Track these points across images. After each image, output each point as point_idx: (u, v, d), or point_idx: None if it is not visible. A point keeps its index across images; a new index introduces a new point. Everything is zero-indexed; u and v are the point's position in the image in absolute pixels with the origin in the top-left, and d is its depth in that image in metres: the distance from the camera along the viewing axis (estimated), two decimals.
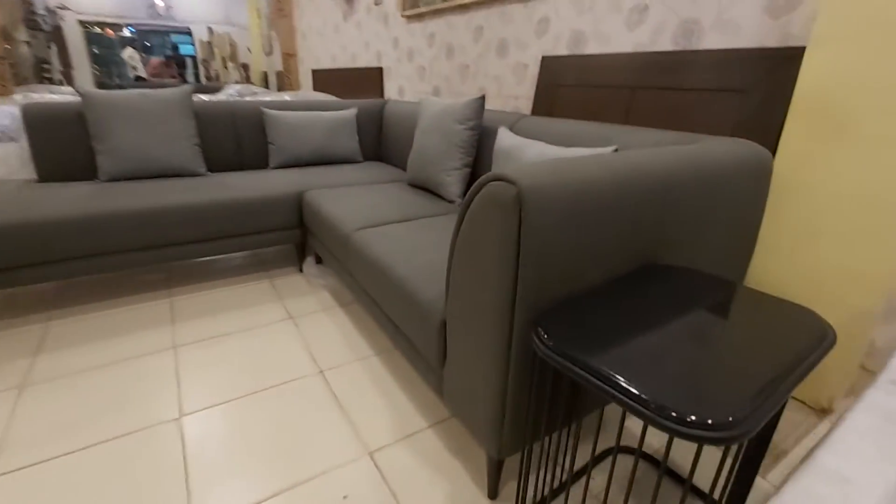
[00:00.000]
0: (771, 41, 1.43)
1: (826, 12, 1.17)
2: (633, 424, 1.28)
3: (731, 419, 0.54)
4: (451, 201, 1.82)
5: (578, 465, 1.13)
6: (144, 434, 1.20)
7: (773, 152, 1.37)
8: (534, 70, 2.20)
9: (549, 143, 1.44)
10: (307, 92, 4.11)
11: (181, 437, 1.20)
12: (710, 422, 0.54)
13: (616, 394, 0.60)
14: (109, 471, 1.09)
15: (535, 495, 0.97)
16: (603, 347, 0.68)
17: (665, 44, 1.68)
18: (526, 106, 2.28)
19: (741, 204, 1.11)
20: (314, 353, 1.56)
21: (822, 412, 1.34)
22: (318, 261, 2.19)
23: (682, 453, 1.18)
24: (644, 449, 1.19)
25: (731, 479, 0.91)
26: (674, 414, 0.55)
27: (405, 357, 1.28)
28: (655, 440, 1.23)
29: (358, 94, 4.00)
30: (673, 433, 0.55)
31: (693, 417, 0.54)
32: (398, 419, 1.27)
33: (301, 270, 2.18)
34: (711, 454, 1.17)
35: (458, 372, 1.00)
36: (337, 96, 4.43)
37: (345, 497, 1.04)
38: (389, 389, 1.39)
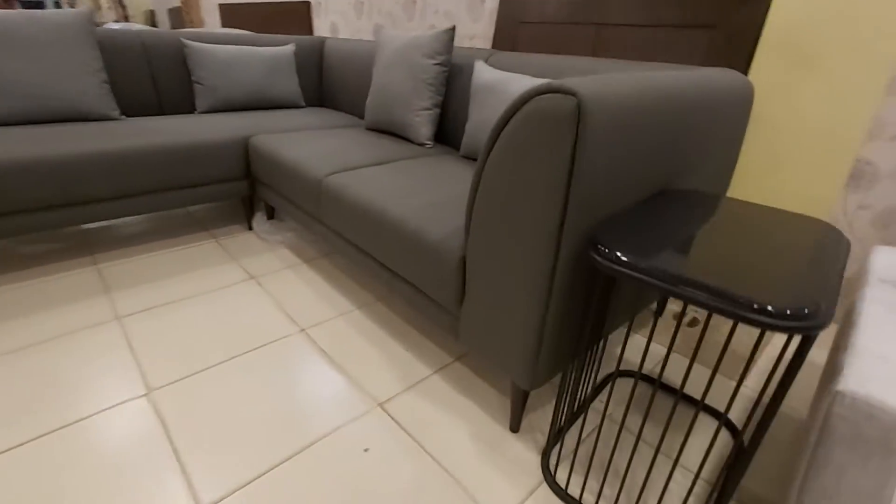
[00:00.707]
0: None
1: None
2: (630, 354, 1.34)
3: (820, 308, 0.57)
4: (421, 144, 1.71)
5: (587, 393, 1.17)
6: (112, 414, 1.03)
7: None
8: (491, 5, 2.10)
9: (535, 77, 1.39)
10: (215, 30, 3.62)
11: (157, 413, 1.04)
12: (806, 311, 0.55)
13: (706, 297, 0.60)
14: (82, 458, 0.92)
15: (555, 422, 0.98)
16: (668, 257, 0.67)
17: None
18: (484, 46, 2.18)
19: (731, 131, 1.16)
20: (290, 312, 1.43)
21: None
22: (271, 216, 1.98)
23: (678, 373, 1.27)
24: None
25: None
26: (770, 308, 0.56)
27: (408, 303, 1.21)
28: (650, 363, 1.30)
29: (279, 32, 3.59)
30: (768, 327, 0.56)
31: (789, 311, 0.56)
32: (400, 369, 1.22)
33: (251, 228, 1.97)
34: (702, 375, 1.28)
35: (482, 308, 0.96)
36: None
37: (366, 450, 0.98)
38: (382, 341, 1.32)
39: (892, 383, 0.59)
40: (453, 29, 1.63)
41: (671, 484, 0.95)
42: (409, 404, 1.11)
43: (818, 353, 1.40)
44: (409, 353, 1.28)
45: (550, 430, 0.99)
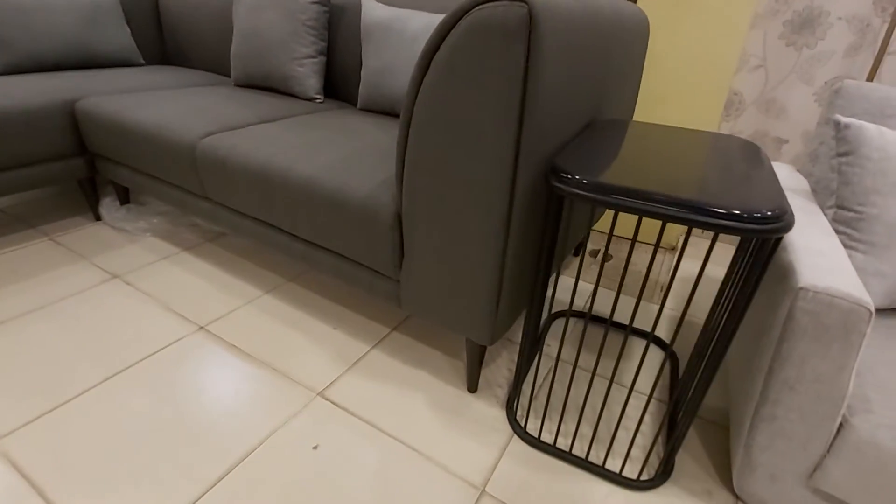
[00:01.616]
0: None
1: None
2: (562, 294, 1.36)
3: (783, 211, 0.58)
4: (310, 99, 1.50)
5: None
6: None
7: None
8: None
9: (434, 13, 1.27)
10: None
11: (11, 463, 0.77)
12: (777, 214, 0.56)
13: (684, 213, 0.58)
14: None
15: (519, 372, 0.95)
16: (633, 179, 0.64)
17: None
18: None
19: (636, 61, 1.18)
20: (179, 309, 1.17)
21: (672, 249, 1.66)
22: (125, 200, 1.60)
23: (609, 307, 1.32)
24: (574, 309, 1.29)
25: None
26: (738, 212, 0.56)
27: (334, 275, 1.06)
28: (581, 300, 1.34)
29: None
30: (741, 232, 0.56)
31: (758, 214, 0.56)
32: (332, 351, 1.08)
33: (99, 218, 1.57)
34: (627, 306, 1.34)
35: (428, 267, 0.86)
36: None
37: (315, 447, 0.84)
38: (305, 323, 1.16)
39: (839, 273, 0.64)
40: None
41: (627, 409, 0.98)
42: (353, 386, 0.98)
43: (691, 266, 1.57)
44: (340, 331, 1.14)
45: (515, 380, 0.95)
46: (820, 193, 1.01)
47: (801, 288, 0.62)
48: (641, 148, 0.80)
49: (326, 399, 0.95)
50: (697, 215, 0.58)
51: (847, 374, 0.62)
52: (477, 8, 0.63)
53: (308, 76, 1.46)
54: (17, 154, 1.30)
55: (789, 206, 0.60)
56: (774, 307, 0.69)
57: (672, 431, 0.89)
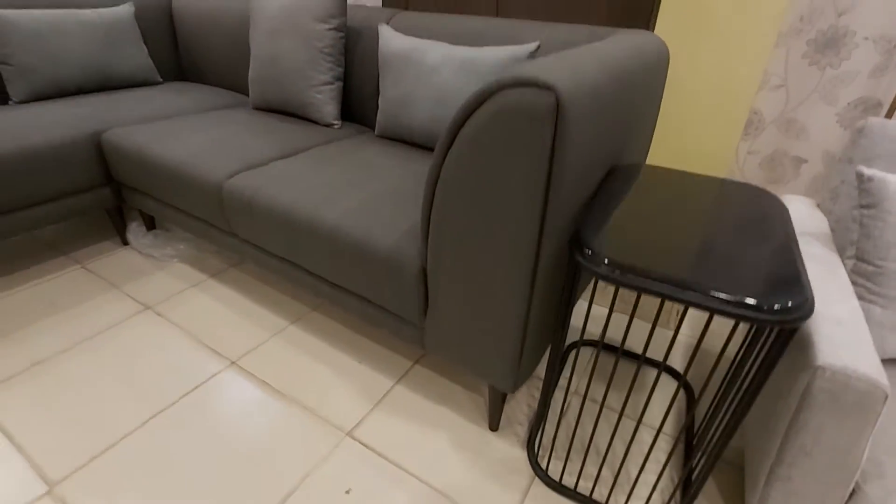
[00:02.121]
0: None
1: None
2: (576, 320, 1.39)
3: (803, 299, 0.59)
4: (328, 125, 1.51)
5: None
6: None
7: (646, 23, 1.48)
8: None
9: (452, 44, 1.26)
10: None
11: None
12: (792, 304, 0.58)
13: (704, 299, 0.60)
14: None
15: (540, 416, 0.99)
16: (657, 255, 0.66)
17: None
18: (370, 2, 1.95)
19: (656, 98, 1.18)
20: (211, 342, 1.22)
21: None
22: (151, 226, 1.65)
23: (632, 336, 1.35)
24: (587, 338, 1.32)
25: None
26: (755, 303, 0.58)
27: (360, 317, 1.09)
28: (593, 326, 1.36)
29: None
30: (758, 322, 0.58)
31: (778, 306, 0.58)
32: (359, 387, 1.12)
33: (127, 243, 1.62)
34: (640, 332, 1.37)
35: (453, 318, 0.89)
36: None
37: (348, 491, 0.89)
38: (331, 357, 1.20)
39: (857, 349, 0.66)
40: None
41: (647, 448, 1.01)
42: (380, 425, 1.03)
43: None
44: (364, 364, 1.18)
45: (536, 421, 0.99)
46: (839, 233, 1.01)
47: (820, 367, 0.64)
48: (659, 210, 0.81)
49: (355, 439, 0.99)
50: (715, 304, 0.60)
51: (862, 445, 0.64)
52: (504, 91, 0.65)
53: (326, 102, 1.47)
54: (48, 189, 1.34)
55: (809, 291, 0.61)
56: (793, 376, 0.71)
57: (689, 476, 0.92)
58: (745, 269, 0.65)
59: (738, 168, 1.61)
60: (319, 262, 1.05)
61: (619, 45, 0.95)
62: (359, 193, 1.07)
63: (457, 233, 0.79)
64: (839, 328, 0.70)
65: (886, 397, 0.61)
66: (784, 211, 0.85)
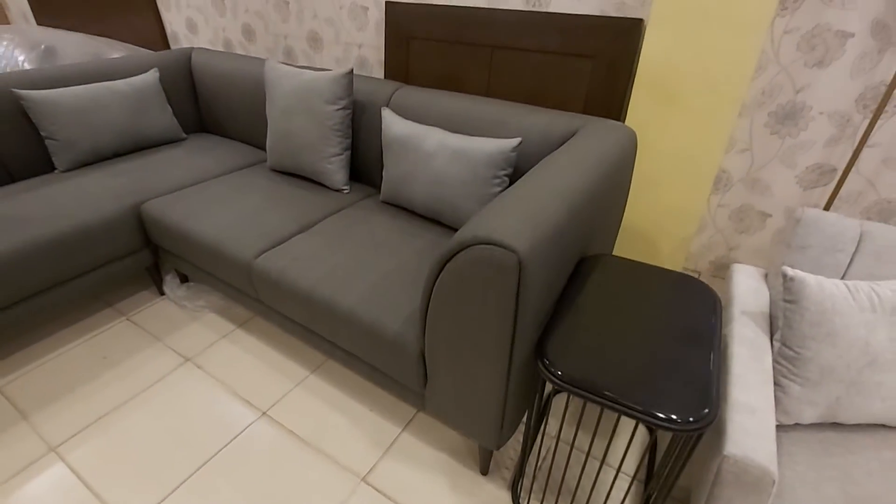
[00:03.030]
0: (610, 9, 1.60)
1: None
2: None
3: (708, 417, 0.78)
4: (338, 190, 1.69)
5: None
6: None
7: (619, 113, 1.64)
8: (375, 14, 2.01)
9: (446, 130, 1.43)
10: (30, 28, 2.99)
11: None
12: (698, 418, 0.76)
13: (630, 412, 0.78)
14: None
15: (521, 464, 1.18)
16: (601, 365, 0.84)
17: (516, 2, 1.72)
18: (374, 56, 2.11)
19: (625, 185, 1.34)
20: (244, 394, 1.43)
21: None
22: (185, 279, 1.85)
23: None
24: None
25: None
26: (673, 417, 0.76)
27: (369, 379, 1.29)
28: None
29: (117, 27, 3.05)
30: (673, 431, 0.77)
31: (692, 419, 0.76)
32: (371, 434, 1.33)
33: (163, 293, 1.83)
34: None
35: (447, 391, 1.08)
36: (77, 30, 3.30)
37: None
38: (346, 406, 1.41)
39: (759, 436, 0.84)
40: (351, 72, 1.57)
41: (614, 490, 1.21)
42: (390, 470, 1.23)
43: None
44: (374, 412, 1.39)
45: (518, 466, 1.18)
46: (777, 304, 1.18)
47: (726, 455, 0.82)
48: (611, 313, 0.99)
49: (369, 484, 1.20)
50: (640, 416, 0.78)
51: None
52: (476, 247, 0.83)
53: (336, 171, 1.65)
54: (98, 258, 1.55)
55: (714, 405, 0.79)
56: (713, 452, 0.89)
57: None
58: (668, 382, 0.83)
59: (711, 219, 1.77)
60: (335, 334, 1.24)
61: (587, 151, 1.11)
62: (368, 275, 1.25)
63: (446, 335, 0.97)
64: (750, 417, 0.88)
65: (774, 482, 0.79)
66: (716, 310, 1.02)
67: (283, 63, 1.88)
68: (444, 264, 0.89)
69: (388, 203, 1.62)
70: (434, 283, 0.94)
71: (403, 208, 1.59)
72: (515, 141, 1.30)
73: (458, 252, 0.86)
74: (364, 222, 1.49)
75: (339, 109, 1.59)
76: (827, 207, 1.50)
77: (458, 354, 0.98)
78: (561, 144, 1.35)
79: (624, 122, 1.62)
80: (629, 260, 1.17)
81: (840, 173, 1.51)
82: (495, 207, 0.90)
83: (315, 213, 1.55)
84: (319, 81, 1.57)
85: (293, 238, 1.43)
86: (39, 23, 3.64)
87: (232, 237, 1.42)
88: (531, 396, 1.11)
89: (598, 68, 1.61)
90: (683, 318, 0.99)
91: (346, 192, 1.69)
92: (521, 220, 0.84)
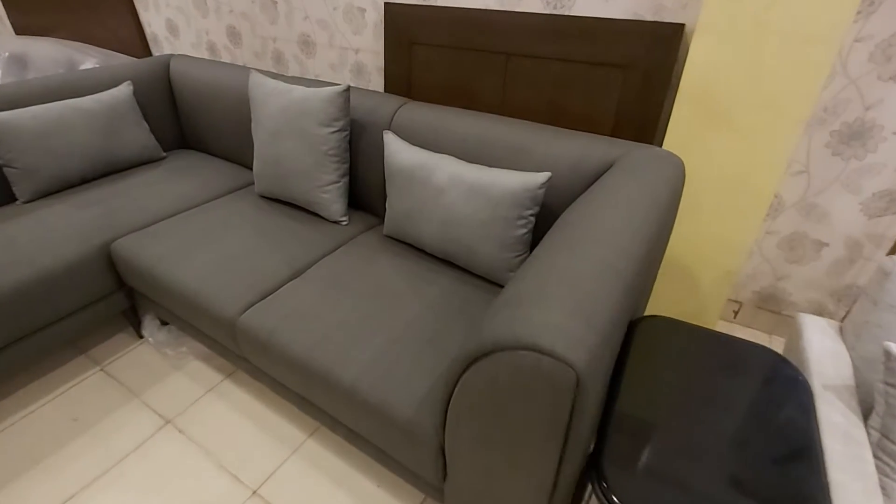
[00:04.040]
0: (645, 12, 1.38)
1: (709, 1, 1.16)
2: None
3: None
4: (336, 222, 1.49)
5: None
6: None
7: (654, 132, 1.43)
8: (373, 16, 1.79)
9: (458, 159, 1.23)
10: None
11: None
12: None
13: None
14: None
15: None
16: (677, 492, 0.66)
17: (535, 4, 1.51)
18: (372, 63, 1.89)
19: (672, 222, 1.14)
20: (232, 466, 1.25)
21: None
22: (165, 321, 1.66)
23: None
24: None
25: None
26: None
27: (378, 461, 1.10)
28: None
29: (94, 31, 2.81)
30: None
31: None
32: None
33: (142, 336, 1.64)
34: None
35: (471, 493, 0.90)
36: (52, 31, 3.06)
37: None
38: (350, 480, 1.22)
39: None
40: (348, 90, 1.36)
41: None
42: None
43: None
44: (383, 489, 1.21)
45: None
46: (862, 373, 0.99)
47: None
48: (675, 408, 0.80)
49: None
50: None
51: None
52: (519, 352, 0.63)
53: (333, 201, 1.45)
54: (64, 307, 1.35)
55: None
56: None
57: None
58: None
59: (757, 246, 1.57)
60: (336, 410, 1.05)
61: (637, 200, 0.91)
62: (374, 338, 1.06)
63: (473, 442, 0.78)
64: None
65: None
66: (809, 402, 0.83)
67: (270, 74, 1.67)
68: (472, 364, 0.70)
69: (392, 238, 1.42)
70: (458, 380, 0.74)
71: (410, 245, 1.39)
72: (543, 176, 1.10)
73: (491, 353, 0.66)
74: (366, 264, 1.29)
75: (334, 132, 1.38)
76: None
77: (489, 463, 0.79)
78: (595, 178, 1.14)
79: (662, 142, 1.42)
80: (688, 324, 0.98)
81: None
82: (534, 289, 0.70)
83: (310, 253, 1.35)
84: (312, 101, 1.36)
85: (285, 286, 1.23)
86: (13, 22, 3.39)
87: (213, 287, 1.23)
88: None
89: (631, 80, 1.40)
90: (771, 416, 0.80)
91: (344, 223, 1.49)
92: (572, 316, 0.64)
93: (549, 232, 0.99)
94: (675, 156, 1.14)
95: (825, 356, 1.03)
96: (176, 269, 1.29)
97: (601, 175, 1.13)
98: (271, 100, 1.43)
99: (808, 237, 1.48)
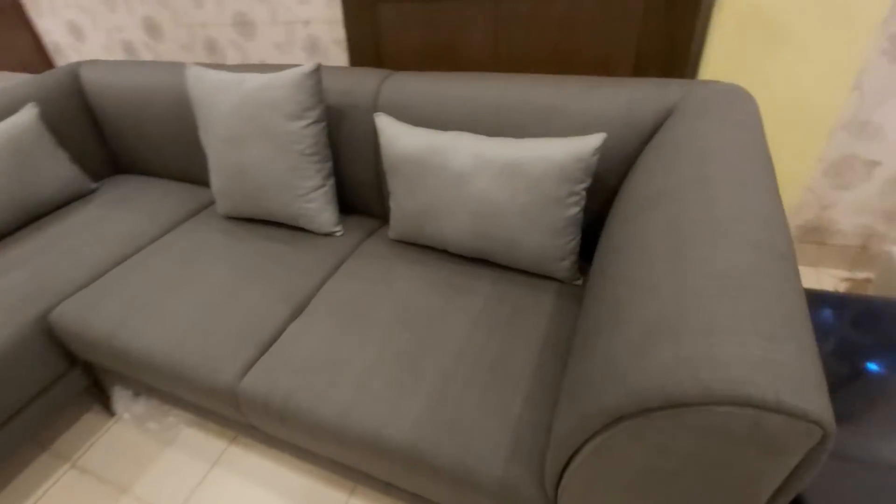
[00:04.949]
0: None
1: None
2: None
3: None
4: (328, 234, 1.23)
5: None
6: None
7: (685, 66, 1.22)
8: None
9: (478, 134, 0.98)
10: None
11: None
12: None
13: None
14: None
15: None
16: None
17: None
18: (328, 35, 1.58)
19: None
20: None
21: None
22: (140, 390, 1.36)
23: None
24: None
25: None
26: None
27: None
28: None
29: None
30: None
31: None
32: None
33: (114, 413, 1.34)
34: None
35: None
36: None
37: None
38: None
39: None
40: (318, 68, 1.07)
41: None
42: None
43: None
44: None
45: None
46: None
47: None
48: None
49: None
50: None
51: None
52: (715, 407, 0.41)
53: (320, 210, 1.18)
54: (6, 403, 1.05)
55: None
56: None
57: None
58: None
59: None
60: (390, 476, 0.83)
61: (741, 152, 0.70)
62: (420, 380, 0.83)
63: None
64: None
65: None
66: None
67: (209, 65, 1.35)
68: (613, 424, 0.48)
69: (401, 242, 1.17)
70: (586, 441, 0.53)
71: (427, 247, 1.15)
72: (597, 139, 0.87)
73: (658, 409, 0.45)
74: (381, 281, 1.05)
75: (308, 125, 1.10)
76: None
77: None
78: (654, 131, 0.92)
79: (696, 74, 1.21)
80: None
81: None
82: (690, 304, 0.48)
83: (307, 280, 1.09)
84: (273, 90, 1.07)
85: (287, 330, 0.97)
86: None
87: (196, 349, 0.95)
88: None
89: (653, 7, 1.18)
90: None
91: (338, 234, 1.23)
92: (775, 339, 0.43)
93: (620, 210, 0.78)
94: (744, 90, 0.93)
95: None
96: (142, 334, 1.00)
97: (660, 127, 0.91)
98: (219, 97, 1.13)
99: (859, 158, 1.32)
